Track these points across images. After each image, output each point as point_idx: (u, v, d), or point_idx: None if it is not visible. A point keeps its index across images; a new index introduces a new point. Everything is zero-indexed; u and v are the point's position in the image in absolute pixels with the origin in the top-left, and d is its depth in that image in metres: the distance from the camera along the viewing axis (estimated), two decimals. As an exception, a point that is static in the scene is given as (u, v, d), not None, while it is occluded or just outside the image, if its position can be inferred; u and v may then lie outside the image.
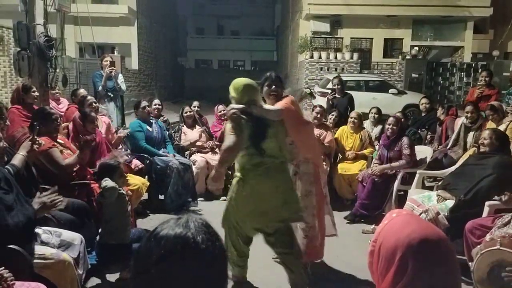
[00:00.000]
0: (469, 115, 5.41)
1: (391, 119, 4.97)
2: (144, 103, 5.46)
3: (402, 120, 5.38)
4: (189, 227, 0.95)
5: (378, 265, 1.20)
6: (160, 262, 0.91)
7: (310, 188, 3.41)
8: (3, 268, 2.09)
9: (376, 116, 6.15)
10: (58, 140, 3.76)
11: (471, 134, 5.36)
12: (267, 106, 2.98)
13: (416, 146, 5.15)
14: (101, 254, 3.10)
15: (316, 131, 5.48)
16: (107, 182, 3.08)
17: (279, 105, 3.01)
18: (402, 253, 1.11)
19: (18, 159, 2.91)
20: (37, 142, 3.08)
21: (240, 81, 2.97)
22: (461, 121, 5.63)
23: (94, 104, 5.14)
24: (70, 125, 4.46)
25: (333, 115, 6.16)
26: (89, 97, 5.34)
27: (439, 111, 6.56)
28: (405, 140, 4.85)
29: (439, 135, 6.20)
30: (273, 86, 3.12)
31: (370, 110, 6.33)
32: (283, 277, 3.12)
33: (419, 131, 6.54)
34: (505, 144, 3.77)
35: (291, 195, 3.06)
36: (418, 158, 5.00)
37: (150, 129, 5.37)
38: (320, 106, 5.80)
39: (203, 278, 0.91)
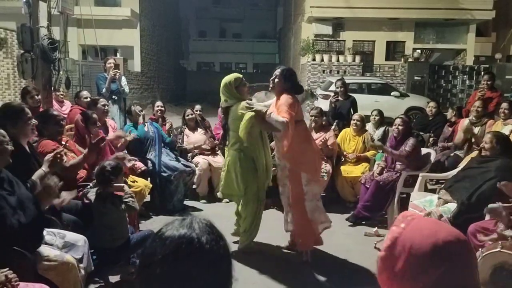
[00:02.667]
0: (476, 108, 5.43)
1: (397, 120, 4.93)
2: (138, 108, 5.48)
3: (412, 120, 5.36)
4: (193, 228, 0.96)
5: (402, 270, 1.13)
6: (165, 262, 0.92)
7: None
8: (7, 269, 2.10)
9: (377, 118, 6.12)
10: (62, 142, 3.76)
11: (475, 130, 5.36)
12: (275, 116, 3.48)
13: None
14: (100, 257, 3.10)
15: (317, 134, 5.48)
16: (134, 204, 3.18)
17: (284, 113, 3.45)
18: (440, 256, 1.08)
19: (38, 175, 2.89)
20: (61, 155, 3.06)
21: (223, 79, 3.77)
22: (466, 121, 5.64)
23: (105, 107, 5.14)
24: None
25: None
26: (101, 99, 5.28)
27: (449, 113, 6.53)
28: (410, 140, 4.80)
29: (446, 137, 6.17)
30: (271, 80, 3.66)
31: (371, 112, 6.31)
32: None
33: (422, 134, 6.51)
34: (507, 147, 3.76)
35: (236, 178, 3.86)
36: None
37: (145, 129, 5.40)
38: (316, 108, 5.80)
39: (207, 278, 0.92)
